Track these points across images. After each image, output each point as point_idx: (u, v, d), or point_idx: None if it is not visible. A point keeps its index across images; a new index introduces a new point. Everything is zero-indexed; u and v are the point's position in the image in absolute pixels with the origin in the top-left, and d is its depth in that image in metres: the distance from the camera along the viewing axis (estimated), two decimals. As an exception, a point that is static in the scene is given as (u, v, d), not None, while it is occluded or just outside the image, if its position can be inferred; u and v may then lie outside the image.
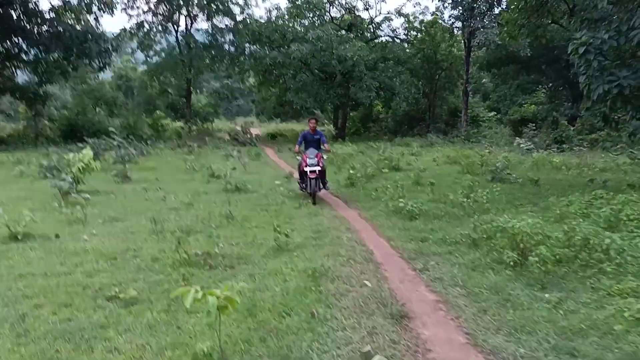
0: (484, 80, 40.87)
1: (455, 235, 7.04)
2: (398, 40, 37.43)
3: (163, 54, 36.85)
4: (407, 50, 36.67)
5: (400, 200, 9.02)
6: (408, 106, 36.13)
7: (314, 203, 9.96)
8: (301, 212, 9.33)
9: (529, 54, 28.47)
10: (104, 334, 4.12)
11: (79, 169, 11.41)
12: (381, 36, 38.13)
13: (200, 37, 36.40)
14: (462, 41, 32.39)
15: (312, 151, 10.42)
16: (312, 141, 10.73)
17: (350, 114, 38.08)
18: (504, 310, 4.59)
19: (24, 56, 30.47)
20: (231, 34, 35.83)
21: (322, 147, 10.77)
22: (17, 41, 29.64)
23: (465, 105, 31.89)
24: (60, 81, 33.66)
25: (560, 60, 27.59)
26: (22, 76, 34.12)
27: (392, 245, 7.01)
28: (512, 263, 5.55)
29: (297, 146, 10.93)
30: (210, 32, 36.45)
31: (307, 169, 10.13)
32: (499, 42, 27.18)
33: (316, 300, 4.83)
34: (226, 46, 36.34)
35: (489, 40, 27.27)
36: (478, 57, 34.12)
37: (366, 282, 5.37)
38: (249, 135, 30.71)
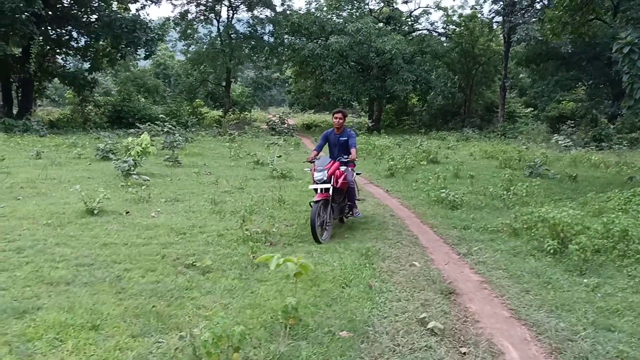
0: (521, 75, 40.48)
1: (496, 225, 7.46)
2: (436, 34, 37.44)
3: (204, 44, 37.76)
4: (445, 44, 36.64)
5: (442, 190, 9.44)
6: (444, 100, 36.22)
7: (318, 241, 6.51)
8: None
9: (570, 50, 28.17)
10: (189, 295, 4.73)
11: (137, 152, 12.19)
12: (419, 29, 38.21)
13: (240, 28, 37.15)
14: (502, 36, 32.22)
15: (324, 160, 7.08)
16: (336, 145, 7.50)
17: (385, 106, 38.36)
18: (544, 291, 5.02)
19: (73, 43, 31.76)
20: (271, 25, 36.43)
21: (343, 158, 7.31)
22: (68, 29, 30.88)
23: (502, 101, 31.79)
24: (106, 68, 34.87)
25: (601, 57, 27.22)
26: (69, 63, 35.60)
27: (436, 231, 7.47)
28: (552, 251, 5.95)
29: (314, 152, 7.50)
30: (250, 22, 37.14)
31: (312, 186, 7.00)
32: (540, 38, 26.98)
33: (371, 275, 5.37)
34: (266, 37, 36.98)
35: (530, 36, 27.09)
36: (517, 53, 33.87)
37: (415, 263, 5.87)
38: (286, 125, 31.34)
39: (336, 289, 4.93)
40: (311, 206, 6.72)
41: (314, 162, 7.28)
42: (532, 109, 35.36)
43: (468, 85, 37.06)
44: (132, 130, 22.53)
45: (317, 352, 3.63)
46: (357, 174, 7.89)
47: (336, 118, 7.52)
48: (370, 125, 30.14)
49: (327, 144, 7.73)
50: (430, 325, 4.07)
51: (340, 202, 7.29)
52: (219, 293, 4.80)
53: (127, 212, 8.18)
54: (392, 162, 13.59)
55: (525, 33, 26.94)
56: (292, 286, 4.91)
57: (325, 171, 6.88)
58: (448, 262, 6.01)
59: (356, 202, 7.65)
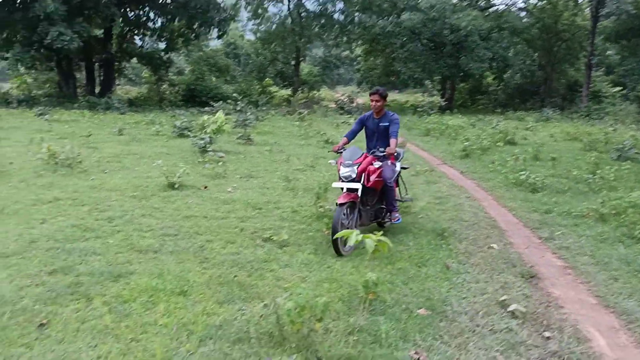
0: (609, 52, 37.77)
1: (581, 209, 7.09)
2: (515, 9, 35.63)
3: (274, 23, 38.09)
4: (525, 19, 34.79)
5: (521, 172, 9.08)
6: (522, 78, 34.56)
7: (339, 252, 5.20)
8: (419, 179, 9.72)
9: (666, 24, 25.95)
10: (268, 267, 4.89)
11: (212, 130, 12.61)
12: (497, 4, 36.53)
13: (310, 6, 37.13)
14: (589, 10, 30.13)
15: (354, 151, 5.71)
16: (375, 132, 6.07)
17: (458, 85, 37.17)
18: (635, 279, 4.74)
19: (150, 24, 33.08)
20: (341, 3, 36.11)
21: (378, 151, 5.88)
22: (146, 10, 32.15)
23: (587, 79, 29.89)
24: (181, 48, 36.05)
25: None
26: (147, 44, 37.09)
27: (515, 214, 7.22)
28: (644, 238, 5.60)
29: (343, 139, 6.15)
30: (320, 0, 37.00)
31: (337, 184, 5.77)
32: (633, 12, 24.98)
33: (448, 255, 5.29)
34: (336, 15, 36.73)
35: (621, 9, 25.18)
36: (605, 27, 31.58)
37: (493, 245, 5.71)
38: (355, 104, 31.18)
39: (412, 268, 4.91)
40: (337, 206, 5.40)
41: (340, 152, 5.92)
42: (621, 88, 32.94)
43: (549, 62, 35.05)
44: (206, 108, 23.23)
45: (396, 327, 3.65)
46: (403, 168, 6.64)
47: (372, 100, 5.97)
48: (442, 104, 29.33)
49: (363, 130, 6.24)
50: (511, 308, 3.96)
51: (373, 205, 5.92)
52: (296, 266, 4.92)
53: (205, 187, 8.51)
54: (466, 143, 13.19)
55: (616, 6, 25.07)
56: (368, 263, 4.95)
57: (355, 167, 5.50)
58: (528, 245, 5.81)
59: (401, 202, 6.56)
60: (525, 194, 8.29)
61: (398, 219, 5.96)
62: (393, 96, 45.24)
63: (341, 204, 5.34)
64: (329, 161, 6.59)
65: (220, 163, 9.91)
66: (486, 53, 29.72)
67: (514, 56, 30.75)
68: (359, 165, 5.54)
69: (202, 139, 11.85)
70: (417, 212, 7.11)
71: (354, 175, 5.49)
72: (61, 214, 6.58)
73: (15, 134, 14.69)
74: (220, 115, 12.84)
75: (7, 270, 4.63)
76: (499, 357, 3.32)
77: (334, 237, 5.03)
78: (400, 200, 6.50)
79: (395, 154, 6.14)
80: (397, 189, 6.29)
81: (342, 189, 5.68)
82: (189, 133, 15.12)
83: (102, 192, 7.92)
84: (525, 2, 35.43)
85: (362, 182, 5.55)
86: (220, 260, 5.03)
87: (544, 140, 15.80)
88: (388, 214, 6.03)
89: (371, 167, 5.70)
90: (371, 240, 3.98)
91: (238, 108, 18.56)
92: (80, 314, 3.81)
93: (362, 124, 6.23)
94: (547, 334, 3.66)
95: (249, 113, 19.83)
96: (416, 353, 3.31)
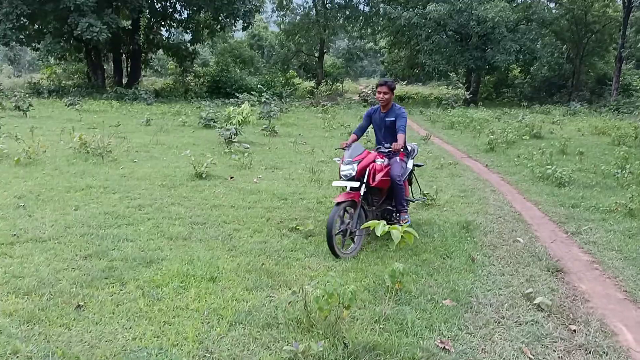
0: (640, 44, 36.78)
1: (609, 204, 7.00)
2: (544, 0, 34.87)
3: (299, 14, 38.10)
4: (554, 10, 34.07)
5: (547, 166, 8.98)
6: (549, 71, 33.91)
7: (336, 254, 4.90)
8: (443, 172, 9.70)
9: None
10: (294, 256, 4.98)
11: (238, 121, 12.75)
12: (525, -5, 35.75)
13: (336, -3, 37.03)
14: (620, 1, 29.35)
15: (355, 148, 5.39)
16: (381, 127, 5.77)
17: (484, 78, 36.66)
18: (665, 276, 4.70)
19: (177, 16, 33.37)
20: (367, -6, 35.97)
21: (383, 147, 5.63)
22: (172, 1, 32.45)
23: (617, 72, 29.17)
24: (206, 40, 36.31)
25: None
26: (173, 35, 37.45)
27: (541, 209, 7.17)
28: (674, 234, 5.52)
29: (352, 136, 5.88)
30: (346, -9, 36.92)
31: (337, 183, 5.50)
32: (667, 2, 24.30)
33: (473, 248, 5.31)
34: (361, 6, 36.57)
35: (655, 0, 24.48)
36: (637, 19, 30.74)
37: (518, 239, 5.70)
38: (378, 97, 31.00)
39: (437, 260, 4.94)
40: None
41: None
42: (652, 81, 32.11)
43: (577, 55, 34.32)
44: (231, 100, 23.43)
45: (421, 317, 3.71)
46: (417, 165, 6.28)
47: (379, 92, 5.60)
48: (467, 97, 28.99)
49: (371, 124, 5.95)
50: (536, 301, 3.98)
51: (380, 205, 5.58)
52: (322, 256, 5.00)
53: (232, 177, 8.65)
54: (491, 136, 13.08)
55: (649, -3, 24.37)
56: (393, 254, 5.00)
57: (355, 164, 5.17)
58: (554, 240, 5.78)
59: (412, 202, 6.20)
60: (552, 188, 8.21)
61: (407, 221, 5.51)
62: (417, 89, 44.90)
63: (338, 203, 5.03)
64: (334, 158, 6.12)
65: (246, 154, 10.04)
66: (513, 45, 29.20)
67: (541, 48, 30.14)
68: (360, 163, 5.21)
69: (228, 129, 11.99)
70: (441, 204, 7.12)
71: (354, 173, 5.15)
72: (93, 201, 6.79)
73: (47, 123, 15.09)
74: (246, 106, 12.97)
75: (45, 254, 4.81)
76: (525, 349, 3.34)
77: (329, 239, 4.79)
78: (410, 200, 6.07)
79: (409, 149, 5.89)
80: (409, 187, 6.08)
81: (343, 188, 5.40)
82: (214, 124, 15.31)
83: (131, 181, 8.12)
84: (554, -7, 34.69)
85: (365, 180, 5.20)
86: (248, 248, 5.15)
87: (571, 135, 15.55)
88: (397, 214, 5.61)
89: (377, 165, 5.31)
90: (397, 231, 4.04)
91: (263, 100, 18.64)
92: (115, 297, 3.96)
93: (369, 118, 5.91)
94: (573, 327, 3.67)
95: (273, 105, 19.96)
96: (442, 342, 3.36)
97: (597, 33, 33.40)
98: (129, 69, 32.95)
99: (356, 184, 5.16)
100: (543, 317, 3.81)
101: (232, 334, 3.46)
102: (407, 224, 5.41)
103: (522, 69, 36.44)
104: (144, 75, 41.90)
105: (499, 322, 3.71)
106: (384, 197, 5.61)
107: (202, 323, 3.58)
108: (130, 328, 3.50)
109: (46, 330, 3.43)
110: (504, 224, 6.30)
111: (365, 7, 36.46)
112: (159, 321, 3.60)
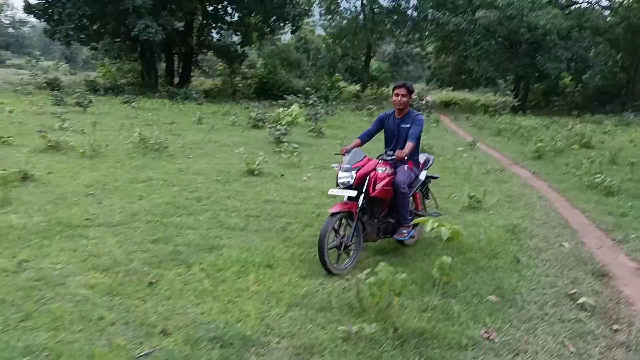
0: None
1: (660, 215, 6.96)
2: (599, 7, 33.98)
3: (347, 19, 38.43)
4: (609, 18, 33.12)
5: (597, 175, 8.93)
6: (602, 80, 32.95)
7: (328, 270, 4.51)
8: (489, 178, 9.77)
9: None
10: (344, 249, 5.25)
11: (287, 122, 13.15)
12: (579, 2, 34.93)
13: (384, 2, 37.20)
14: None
15: (355, 154, 4.93)
16: (395, 134, 5.28)
17: (533, 85, 35.98)
18: None
19: (227, 18, 34.30)
20: (415, -1, 35.99)
21: (386, 155, 5.21)
22: (224, 4, 33.40)
23: (675, 82, 28.11)
24: (255, 42, 37.11)
25: None
26: (223, 37, 38.42)
27: (588, 216, 7.18)
28: None
29: (356, 141, 5.37)
30: (394, -3, 37.05)
31: (333, 191, 4.95)
32: None
33: (518, 250, 5.44)
34: (409, 11, 36.61)
35: None
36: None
37: (564, 244, 5.79)
38: (424, 102, 30.98)
39: (482, 259, 5.12)
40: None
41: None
42: None
43: (633, 64, 33.20)
44: (280, 101, 23.91)
45: (467, 309, 3.91)
46: (432, 177, 5.86)
47: (397, 95, 5.13)
48: (515, 104, 28.56)
49: (383, 129, 5.41)
50: (580, 301, 4.11)
51: (382, 218, 5.09)
52: (370, 251, 5.26)
53: (282, 175, 9.01)
54: (540, 144, 12.98)
55: None
56: (439, 251, 5.20)
57: (354, 172, 4.74)
58: (601, 246, 5.83)
59: (424, 216, 5.11)
60: (600, 197, 8.18)
61: (406, 236, 5.05)
62: (463, 95, 44.42)
63: (333, 214, 4.64)
64: (332, 165, 5.73)
65: (295, 153, 10.39)
66: (564, 53, 28.63)
67: (594, 57, 29.44)
68: (358, 170, 4.76)
69: (279, 130, 12.40)
70: (487, 208, 7.24)
71: (352, 182, 4.72)
72: (155, 193, 7.27)
73: (105, 119, 15.94)
74: (295, 108, 13.36)
75: (116, 237, 5.28)
76: (567, 343, 3.50)
77: (320, 253, 4.44)
78: (420, 214, 5.40)
79: (422, 160, 5.48)
80: (420, 200, 5.70)
81: (345, 197, 4.84)
82: (263, 124, 15.80)
83: (188, 175, 8.61)
84: (609, 0, 33.70)
85: (365, 189, 4.76)
86: (301, 240, 5.46)
87: (623, 145, 15.18)
88: (397, 226, 5.07)
89: (379, 173, 4.88)
90: (446, 228, 4.25)
91: (310, 102, 19.04)
92: (182, 277, 4.35)
93: (380, 123, 5.40)
94: (615, 326, 3.79)
95: (320, 107, 20.33)
96: (486, 332, 3.56)
97: (654, 41, 32.28)
98: (180, 69, 34.09)
99: (353, 193, 4.73)
100: (586, 316, 3.94)
101: (290, 314, 3.76)
102: (406, 239, 5.14)
103: (574, 77, 35.58)
104: (192, 76, 43.23)
105: (542, 318, 3.88)
106: (386, 209, 5.11)
107: (262, 303, 3.90)
108: (198, 304, 3.86)
109: (125, 302, 3.83)
110: (550, 229, 6.38)
111: (414, 12, 36.48)
112: (223, 300, 3.95)
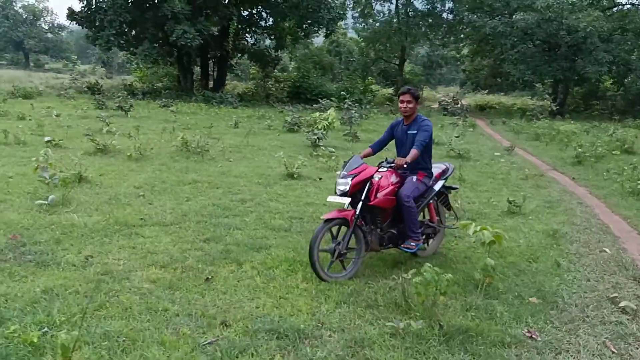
0: None
1: None
2: (641, 8, 33.12)
3: (378, 23, 38.48)
4: (652, 20, 32.20)
5: (639, 182, 8.85)
6: (645, 84, 32.03)
7: (320, 277, 4.52)
8: (528, 183, 9.78)
9: None
10: (386, 251, 5.41)
11: (323, 126, 13.41)
12: (622, 3, 34.06)
13: (419, 5, 37.15)
14: None
15: (353, 161, 4.87)
16: (404, 142, 5.15)
17: (572, 89, 35.27)
18: None
19: (262, 23, 34.85)
20: (450, 2, 35.79)
21: (386, 162, 5.02)
22: (259, 9, 33.96)
23: None
24: (290, 46, 37.52)
25: None
26: (258, 41, 39.01)
27: (630, 223, 7.17)
28: None
29: (367, 150, 5.27)
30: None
31: (331, 198, 4.85)
32: None
33: (558, 255, 5.53)
34: (444, 14, 36.44)
35: None
36: None
37: (605, 249, 5.83)
38: (459, 106, 30.80)
39: (523, 263, 5.23)
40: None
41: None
42: None
43: (677, 67, 32.17)
44: (315, 105, 24.16)
45: (509, 310, 4.05)
46: (452, 188, 5.67)
47: (402, 102, 5.03)
48: (553, 108, 28.07)
49: (393, 137, 5.29)
50: (622, 304, 4.19)
51: (388, 227, 4.94)
52: (410, 254, 5.43)
53: (320, 179, 9.25)
54: (579, 150, 12.86)
55: None
56: (480, 254, 5.33)
57: (349, 179, 4.65)
58: (643, 253, 5.85)
59: (436, 228, 5.36)
60: (642, 204, 8.13)
61: (414, 248, 4.89)
62: (498, 98, 43.88)
63: (326, 220, 4.60)
64: (337, 172, 5.26)
65: (332, 157, 10.62)
66: (606, 56, 27.98)
67: (637, 60, 28.63)
68: (355, 177, 4.66)
69: (315, 134, 12.67)
70: (526, 213, 7.31)
71: (347, 189, 4.63)
72: (201, 194, 7.63)
73: (147, 123, 16.54)
74: (332, 112, 13.60)
75: (170, 236, 5.61)
76: (608, 343, 3.61)
77: (310, 258, 4.44)
78: (433, 226, 5.32)
79: (438, 170, 5.28)
80: (436, 211, 5.44)
81: (343, 206, 4.77)
82: (298, 128, 16.11)
83: (230, 178, 8.94)
84: (654, 1, 32.82)
85: (363, 197, 4.68)
86: (341, 240, 5.67)
87: (666, 151, 14.87)
88: (405, 238, 4.91)
89: (383, 181, 4.78)
90: (488, 232, 4.40)
91: (345, 106, 19.25)
92: (235, 274, 4.63)
93: (391, 131, 5.30)
94: (657, 330, 3.87)
95: (354, 111, 20.51)
96: (529, 332, 3.70)
97: (700, 43, 31.20)
98: (215, 74, 34.82)
99: (346, 200, 4.66)
100: (627, 319, 4.03)
101: (339, 310, 3.98)
102: (413, 251, 4.98)
103: (615, 81, 34.69)
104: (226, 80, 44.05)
105: (583, 320, 3.98)
106: (389, 218, 4.96)
107: (312, 300, 4.14)
108: (252, 299, 4.12)
109: (185, 296, 4.13)
110: (591, 235, 6.42)
111: (449, 15, 36.29)
112: (275, 295, 4.20)
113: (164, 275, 4.50)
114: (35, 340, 3.21)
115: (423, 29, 36.66)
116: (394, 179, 4.87)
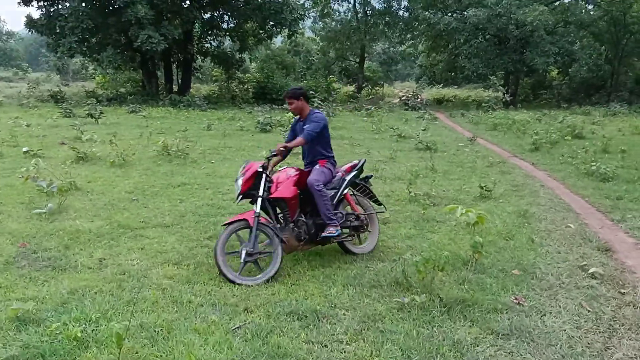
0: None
1: (652, 197, 7.71)
2: (582, 2, 34.96)
3: (337, 22, 39.06)
4: (592, 12, 34.15)
5: (592, 164, 9.68)
6: (588, 73, 33.94)
7: (228, 280, 4.57)
8: (493, 170, 10.49)
9: None
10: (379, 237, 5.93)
11: (296, 125, 13.79)
12: (564, -3, 35.92)
13: (376, 4, 37.95)
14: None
15: (245, 163, 5.17)
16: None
17: (522, 80, 36.90)
18: (702, 254, 5.44)
19: (224, 25, 34.81)
20: (406, 0, 36.72)
21: (272, 151, 5.18)
22: (220, 12, 33.90)
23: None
24: (253, 48, 37.49)
25: None
26: (221, 44, 38.89)
27: (587, 201, 7.92)
28: None
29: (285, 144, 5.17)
30: (386, -2, 37.80)
31: (238, 200, 5.04)
32: None
33: (531, 232, 6.16)
34: (400, 12, 37.38)
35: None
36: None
37: (570, 225, 6.50)
38: (419, 100, 31.75)
39: (501, 241, 5.82)
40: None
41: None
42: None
43: (616, 56, 34.24)
44: (284, 105, 24.38)
45: (496, 282, 4.60)
46: (366, 178, 5.73)
47: (289, 104, 5.33)
48: (507, 99, 29.42)
49: (296, 135, 5.38)
50: (591, 271, 4.81)
51: (303, 220, 5.08)
52: (401, 238, 5.95)
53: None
54: (536, 137, 13.75)
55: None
56: (462, 235, 5.90)
57: (240, 180, 4.85)
58: (602, 226, 6.55)
59: (361, 218, 5.49)
60: (597, 183, 8.93)
61: (334, 233, 4.98)
62: (453, 91, 45.28)
63: (226, 225, 4.79)
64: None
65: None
66: (552, 47, 29.53)
67: (580, 50, 30.40)
68: (243, 177, 4.84)
69: (290, 133, 13.03)
70: (497, 197, 7.95)
71: (238, 190, 4.85)
72: (192, 196, 7.91)
73: (119, 129, 16.46)
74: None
75: (174, 236, 5.92)
76: (584, 304, 4.20)
77: (217, 264, 4.59)
78: (356, 216, 5.50)
79: (355, 162, 5.61)
80: (355, 201, 5.66)
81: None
82: (271, 128, 16.43)
83: (216, 179, 9.23)
84: (593, -6, 34.76)
85: (261, 193, 4.79)
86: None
87: (612, 135, 15.98)
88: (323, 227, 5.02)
89: (281, 176, 5.03)
90: (473, 213, 4.94)
91: (314, 105, 19.67)
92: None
93: (293, 131, 5.50)
94: (623, 290, 4.50)
95: (322, 109, 20.96)
96: (516, 298, 4.25)
97: (636, 34, 33.27)
98: (179, 77, 34.56)
99: (241, 201, 4.98)
100: (597, 283, 4.64)
101: (347, 292, 4.42)
102: (333, 235, 5.01)
103: (561, 71, 36.58)
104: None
105: (560, 286, 4.57)
106: (296, 209, 5.06)
107: (321, 284, 4.56)
108: (267, 287, 4.51)
109: (204, 288, 4.47)
110: (556, 213, 7.10)
111: (405, 13, 37.23)
112: (287, 283, 4.60)
113: (179, 272, 4.82)
114: (79, 334, 3.50)
115: (381, 27, 37.52)
116: (292, 172, 5.13)
